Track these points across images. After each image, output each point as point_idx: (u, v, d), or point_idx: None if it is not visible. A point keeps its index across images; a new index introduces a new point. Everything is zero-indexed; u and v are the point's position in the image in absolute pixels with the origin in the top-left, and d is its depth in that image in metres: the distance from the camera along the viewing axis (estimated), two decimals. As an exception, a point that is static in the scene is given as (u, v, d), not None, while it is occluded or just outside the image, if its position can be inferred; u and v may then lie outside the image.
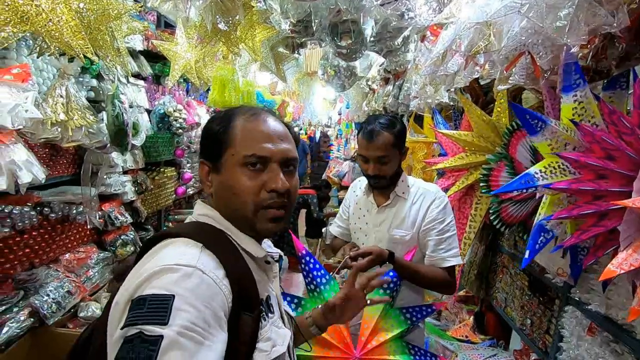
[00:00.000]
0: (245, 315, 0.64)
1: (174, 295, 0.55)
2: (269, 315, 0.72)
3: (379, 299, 1.07)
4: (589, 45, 1.01)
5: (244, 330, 0.64)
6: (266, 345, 0.67)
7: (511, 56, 0.96)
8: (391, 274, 1.38)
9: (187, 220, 0.78)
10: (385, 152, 1.42)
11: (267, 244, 0.84)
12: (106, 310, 0.65)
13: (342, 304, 0.97)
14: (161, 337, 0.52)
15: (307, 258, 1.41)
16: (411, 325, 1.41)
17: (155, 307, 0.54)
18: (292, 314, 0.95)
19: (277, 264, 0.84)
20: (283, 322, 0.80)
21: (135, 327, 0.53)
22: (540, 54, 0.89)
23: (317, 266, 1.41)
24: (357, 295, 0.99)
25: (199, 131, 3.38)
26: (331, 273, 1.44)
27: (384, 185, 1.50)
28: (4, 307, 1.67)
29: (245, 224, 0.73)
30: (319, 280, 1.39)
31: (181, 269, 0.59)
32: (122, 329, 0.54)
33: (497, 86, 1.12)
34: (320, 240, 4.53)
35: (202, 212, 0.76)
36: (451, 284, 1.46)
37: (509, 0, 0.76)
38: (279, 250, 0.85)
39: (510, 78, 1.04)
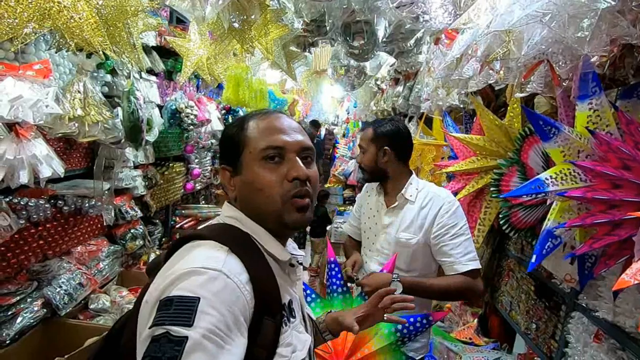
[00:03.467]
0: (266, 320, 0.65)
1: (199, 298, 0.57)
2: (290, 320, 0.73)
3: (396, 319, 1.05)
4: (607, 54, 1.01)
5: (265, 335, 0.65)
6: (286, 350, 0.68)
7: (529, 64, 0.96)
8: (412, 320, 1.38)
9: (214, 222, 0.79)
10: (361, 143, 1.61)
11: (292, 245, 0.84)
12: (138, 302, 0.67)
13: (357, 330, 0.97)
14: (186, 338, 0.53)
15: (333, 265, 1.48)
16: (402, 337, 1.35)
17: (181, 309, 0.56)
18: (313, 317, 0.96)
19: (301, 267, 0.84)
20: (305, 326, 0.81)
21: (162, 327, 0.55)
22: (560, 63, 0.89)
23: (339, 276, 1.47)
24: (376, 314, 1.01)
25: (208, 127, 3.41)
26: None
27: (366, 177, 1.68)
28: (18, 297, 1.71)
29: (273, 219, 0.74)
30: (335, 287, 1.45)
31: (207, 272, 0.60)
32: (150, 328, 0.56)
33: (515, 94, 1.12)
34: (321, 239, 4.54)
35: (229, 215, 0.77)
36: (475, 288, 1.42)
37: (531, 9, 0.77)
38: (303, 253, 0.85)
39: (528, 86, 1.04)
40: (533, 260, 1.07)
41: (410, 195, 1.51)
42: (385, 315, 1.01)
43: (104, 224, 2.34)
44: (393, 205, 1.54)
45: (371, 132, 1.58)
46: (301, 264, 0.84)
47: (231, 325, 0.58)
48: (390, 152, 1.54)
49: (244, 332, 0.61)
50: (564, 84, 0.98)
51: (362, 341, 1.32)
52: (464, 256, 1.41)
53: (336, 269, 1.48)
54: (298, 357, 0.70)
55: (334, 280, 1.46)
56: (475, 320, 2.46)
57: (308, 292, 1.43)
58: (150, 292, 0.63)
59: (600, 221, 0.92)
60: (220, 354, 0.55)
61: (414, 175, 1.58)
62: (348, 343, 1.31)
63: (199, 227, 0.78)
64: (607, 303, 1.24)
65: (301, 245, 4.49)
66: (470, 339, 2.32)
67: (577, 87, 0.99)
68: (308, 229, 4.63)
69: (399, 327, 1.34)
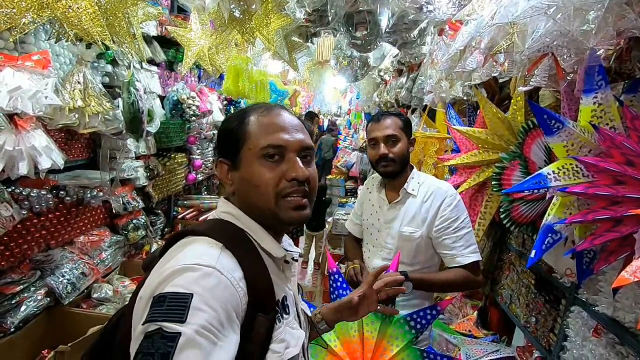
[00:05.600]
0: (260, 316, 0.65)
1: (192, 295, 0.57)
2: (284, 316, 0.73)
3: (389, 309, 1.07)
4: (613, 47, 0.99)
5: (259, 331, 0.65)
6: (280, 347, 0.68)
7: (533, 57, 0.94)
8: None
9: (210, 217, 0.79)
10: (394, 132, 1.47)
11: (288, 242, 0.84)
12: (133, 298, 0.67)
13: (357, 302, 0.98)
14: (179, 334, 0.53)
15: (336, 277, 1.45)
16: (418, 334, 1.36)
17: (174, 305, 0.56)
18: (309, 312, 0.96)
19: (296, 263, 0.84)
20: (299, 322, 0.81)
21: (155, 324, 0.55)
22: (565, 56, 0.87)
23: (345, 286, 1.44)
24: (371, 297, 1.00)
25: (210, 119, 3.40)
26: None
27: (393, 170, 1.49)
28: (22, 287, 1.73)
29: (268, 216, 0.73)
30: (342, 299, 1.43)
31: (201, 269, 0.60)
32: (143, 324, 0.56)
33: (518, 87, 1.10)
34: (318, 233, 4.54)
35: (224, 210, 0.77)
36: (476, 280, 1.45)
37: (536, 1, 0.75)
38: (299, 250, 0.85)
39: (532, 80, 1.02)
40: (532, 255, 1.06)
41: (413, 190, 1.51)
42: (379, 306, 1.02)
43: (113, 212, 2.36)
44: (396, 201, 1.53)
45: (399, 121, 1.50)
46: (296, 260, 0.83)
47: (224, 322, 0.58)
48: (413, 142, 1.55)
49: (236, 329, 0.61)
50: (568, 77, 0.96)
51: (380, 348, 1.31)
52: (466, 249, 1.43)
53: (340, 279, 1.46)
54: (291, 354, 0.70)
55: (340, 291, 1.44)
56: (475, 313, 2.47)
57: (349, 292, 1.42)
58: (144, 289, 0.63)
59: (601, 217, 0.91)
60: (214, 351, 0.55)
61: (415, 169, 1.58)
62: (368, 353, 1.30)
63: (195, 224, 0.76)
64: (607, 298, 1.23)
65: (299, 233, 4.49)
66: (469, 331, 2.33)
67: (582, 80, 0.97)
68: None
69: (412, 323, 1.36)
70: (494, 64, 1.29)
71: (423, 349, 1.44)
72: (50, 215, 1.94)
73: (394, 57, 3.31)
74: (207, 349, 0.54)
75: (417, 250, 1.50)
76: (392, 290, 1.02)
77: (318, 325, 1.00)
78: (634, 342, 1.11)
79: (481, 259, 1.49)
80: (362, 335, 1.35)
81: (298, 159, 0.73)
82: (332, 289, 1.45)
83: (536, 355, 1.78)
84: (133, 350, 0.56)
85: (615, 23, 0.74)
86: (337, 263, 1.52)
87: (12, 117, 1.39)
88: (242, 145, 0.74)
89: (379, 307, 1.02)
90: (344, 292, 1.43)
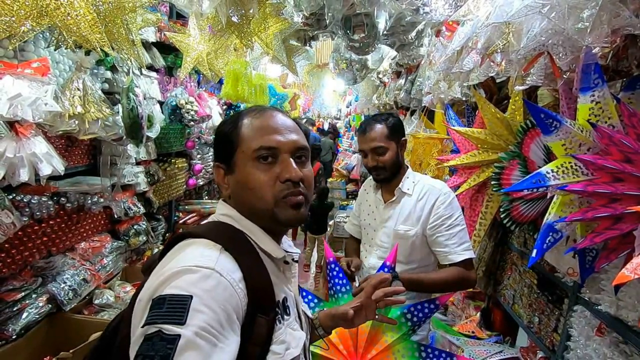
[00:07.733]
0: (260, 317, 0.65)
1: (191, 296, 0.56)
2: (285, 317, 0.73)
3: (386, 318, 1.06)
4: (609, 45, 0.99)
5: (258, 332, 0.64)
6: (280, 347, 0.68)
7: (529, 56, 0.94)
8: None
9: (209, 220, 0.79)
10: (380, 143, 1.48)
11: (288, 243, 0.84)
12: (132, 301, 0.67)
13: (352, 315, 0.96)
14: (179, 336, 0.53)
15: (333, 265, 1.45)
16: (412, 326, 1.34)
17: (173, 307, 0.55)
18: (309, 313, 0.96)
19: (296, 264, 0.84)
20: (300, 323, 0.80)
21: (154, 326, 0.54)
22: (560, 54, 0.87)
23: (341, 275, 1.44)
24: (369, 307, 0.99)
25: (209, 123, 3.41)
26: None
27: (385, 176, 1.52)
28: (23, 294, 1.73)
29: (267, 217, 0.73)
30: (338, 287, 1.42)
31: (200, 271, 0.60)
32: (142, 326, 0.56)
33: (515, 86, 1.11)
34: (320, 236, 4.54)
35: (223, 212, 0.77)
36: (470, 278, 1.44)
37: (530, 0, 0.75)
38: (298, 250, 0.85)
39: (528, 78, 1.03)
40: (534, 254, 1.06)
41: (408, 189, 1.53)
42: (377, 315, 1.01)
43: (114, 217, 2.37)
44: (391, 200, 1.55)
45: (384, 128, 1.50)
46: (296, 261, 0.83)
47: (224, 324, 0.58)
48: (404, 142, 1.56)
49: (237, 330, 0.61)
50: (564, 75, 0.96)
51: (375, 338, 1.30)
52: (459, 246, 1.43)
53: (337, 268, 1.46)
54: (292, 355, 0.70)
55: (336, 280, 1.43)
56: (478, 313, 2.46)
57: (310, 297, 1.41)
58: (144, 291, 0.63)
59: (601, 215, 0.90)
60: (214, 352, 0.55)
61: (409, 169, 1.60)
62: (362, 342, 1.29)
63: (194, 226, 0.76)
64: (609, 296, 1.23)
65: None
66: (472, 332, 2.32)
67: (579, 79, 0.98)
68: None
69: (409, 315, 1.34)
70: (491, 63, 1.29)
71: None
72: (51, 222, 1.94)
73: (392, 59, 3.32)
74: (207, 350, 0.54)
75: (412, 249, 1.51)
76: (390, 300, 1.00)
77: (315, 330, 0.99)
78: (637, 341, 1.11)
79: (474, 256, 1.49)
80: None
81: (291, 160, 0.73)
82: (329, 278, 1.46)
83: (540, 355, 1.77)
84: (132, 353, 0.56)
85: (609, 20, 0.74)
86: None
87: (12, 124, 1.40)
88: (235, 148, 0.74)
89: (377, 317, 1.01)
90: (340, 282, 1.44)
